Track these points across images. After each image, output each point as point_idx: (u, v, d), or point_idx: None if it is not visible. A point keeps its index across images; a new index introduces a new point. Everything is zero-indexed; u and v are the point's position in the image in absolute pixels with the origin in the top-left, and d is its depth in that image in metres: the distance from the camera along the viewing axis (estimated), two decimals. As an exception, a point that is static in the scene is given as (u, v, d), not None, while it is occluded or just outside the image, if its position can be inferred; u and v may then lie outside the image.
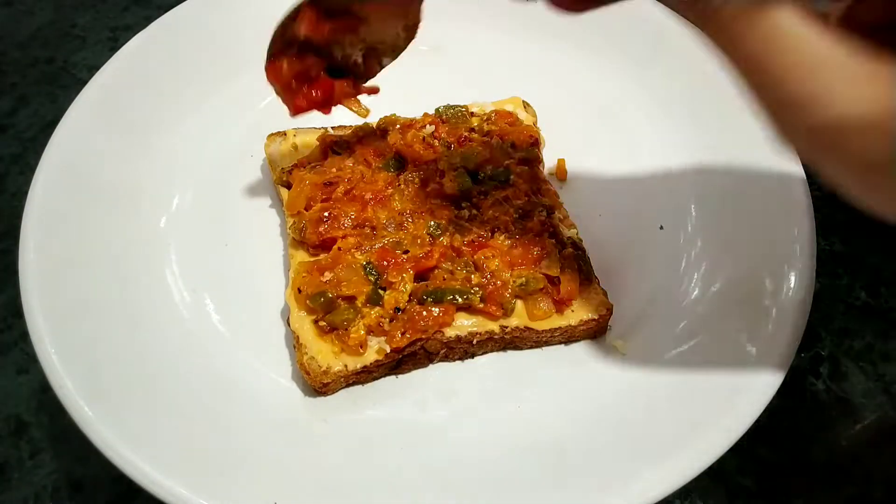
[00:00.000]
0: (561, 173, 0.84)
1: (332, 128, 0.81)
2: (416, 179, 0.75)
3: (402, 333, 0.66)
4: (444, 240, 0.71)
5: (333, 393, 0.67)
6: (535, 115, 0.86)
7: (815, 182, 0.96)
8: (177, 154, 0.82)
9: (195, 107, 0.86)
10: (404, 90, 0.76)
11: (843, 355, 0.80)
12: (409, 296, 0.68)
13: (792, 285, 0.69)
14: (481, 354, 0.71)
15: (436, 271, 0.69)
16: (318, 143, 0.79)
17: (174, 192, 0.80)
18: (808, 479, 0.71)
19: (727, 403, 0.63)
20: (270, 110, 0.84)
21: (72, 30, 1.12)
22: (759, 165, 0.78)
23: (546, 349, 0.72)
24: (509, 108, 0.85)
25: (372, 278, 0.68)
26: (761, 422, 0.74)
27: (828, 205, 0.93)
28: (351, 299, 0.67)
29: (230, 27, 0.90)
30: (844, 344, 0.81)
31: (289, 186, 0.76)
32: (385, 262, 0.68)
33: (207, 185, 0.81)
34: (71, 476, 0.70)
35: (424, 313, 0.66)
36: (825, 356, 0.80)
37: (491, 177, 0.76)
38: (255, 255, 0.77)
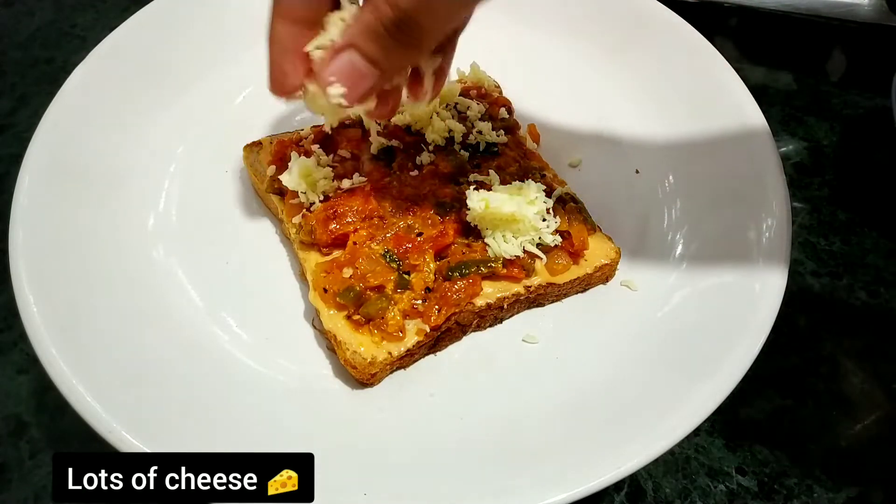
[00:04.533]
0: (534, 137, 0.86)
1: (313, 127, 0.81)
2: (410, 164, 0.77)
3: (438, 311, 0.67)
4: (453, 216, 0.73)
5: (379, 382, 0.68)
6: (498, 85, 0.88)
7: (814, 183, 0.96)
8: (157, 154, 0.82)
9: (172, 104, 0.86)
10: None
11: (843, 355, 0.80)
12: (435, 274, 0.70)
13: (771, 203, 0.74)
14: (508, 318, 0.74)
15: (453, 247, 0.71)
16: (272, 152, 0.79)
17: (160, 192, 0.80)
18: (808, 479, 0.71)
19: (744, 307, 0.68)
20: (243, 110, 0.88)
21: (72, 30, 1.13)
22: (715, 106, 0.84)
23: (566, 301, 0.75)
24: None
25: (394, 265, 0.69)
26: (761, 422, 0.75)
27: (828, 205, 0.94)
28: (380, 288, 0.68)
29: (210, 20, 0.91)
30: (844, 344, 0.81)
31: (281, 193, 0.76)
32: (402, 248, 0.70)
33: (188, 202, 0.80)
34: (71, 476, 0.70)
35: (455, 287, 0.68)
36: (825, 356, 0.80)
37: (480, 150, 0.79)
38: (259, 266, 0.77)
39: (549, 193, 0.75)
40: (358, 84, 0.54)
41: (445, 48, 0.61)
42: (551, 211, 0.73)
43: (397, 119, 0.79)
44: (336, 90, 0.53)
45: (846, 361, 0.80)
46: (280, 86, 0.58)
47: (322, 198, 0.74)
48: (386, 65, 0.54)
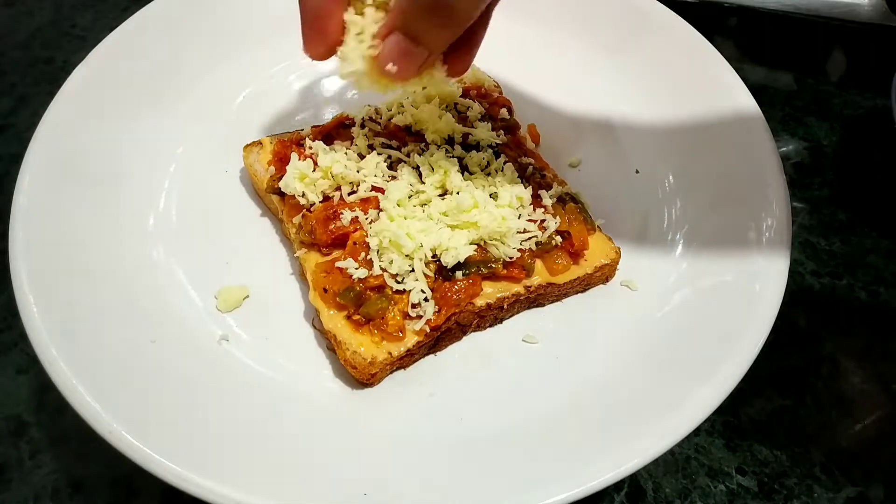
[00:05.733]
0: (534, 137, 0.87)
1: (313, 127, 0.81)
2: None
3: (438, 311, 0.67)
4: None
5: (379, 382, 0.69)
6: (498, 85, 0.88)
7: (814, 183, 0.96)
8: (157, 154, 0.83)
9: (172, 104, 0.86)
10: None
11: (843, 355, 0.80)
12: (435, 274, 0.69)
13: (771, 203, 0.74)
14: (508, 318, 0.74)
15: None
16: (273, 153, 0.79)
17: (160, 192, 0.80)
18: (808, 479, 0.71)
19: (744, 308, 0.68)
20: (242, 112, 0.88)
21: (72, 30, 1.13)
22: (715, 106, 0.84)
23: (566, 301, 0.75)
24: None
25: None
26: (761, 422, 0.75)
27: (828, 205, 0.94)
28: (379, 288, 0.68)
29: (210, 20, 0.91)
30: (844, 344, 0.81)
31: (281, 193, 0.76)
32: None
33: (188, 202, 0.80)
34: (71, 476, 0.70)
35: (455, 287, 0.68)
36: (825, 356, 0.80)
37: (480, 150, 0.79)
38: (259, 266, 0.77)
39: (536, 190, 0.75)
40: (409, 63, 0.58)
41: (482, 19, 0.62)
42: (528, 203, 0.73)
43: (397, 119, 0.79)
44: (391, 68, 0.58)
45: (846, 361, 0.79)
46: (317, 48, 0.60)
47: (322, 198, 0.74)
48: (430, 44, 0.58)
